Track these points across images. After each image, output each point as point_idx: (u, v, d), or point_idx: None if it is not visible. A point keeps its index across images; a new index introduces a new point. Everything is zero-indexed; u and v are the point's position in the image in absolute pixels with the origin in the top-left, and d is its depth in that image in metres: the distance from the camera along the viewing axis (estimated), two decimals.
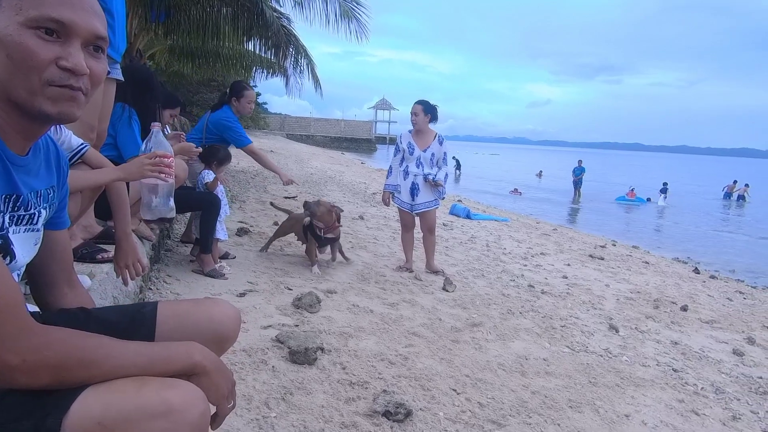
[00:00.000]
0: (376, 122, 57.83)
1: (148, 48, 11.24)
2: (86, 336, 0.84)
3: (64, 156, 1.06)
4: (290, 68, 10.22)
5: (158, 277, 3.27)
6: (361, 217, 6.99)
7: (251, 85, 4.39)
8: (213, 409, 0.92)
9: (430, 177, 4.45)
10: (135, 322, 1.06)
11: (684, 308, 4.35)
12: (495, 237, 7.09)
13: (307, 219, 4.05)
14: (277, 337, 2.56)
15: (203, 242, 3.50)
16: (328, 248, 4.29)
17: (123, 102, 2.85)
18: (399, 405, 2.02)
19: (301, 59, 10.15)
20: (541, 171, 32.12)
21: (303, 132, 48.46)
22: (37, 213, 0.93)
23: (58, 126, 1.76)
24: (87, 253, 2.25)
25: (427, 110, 4.49)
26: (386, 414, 2.00)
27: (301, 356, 2.37)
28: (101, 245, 2.35)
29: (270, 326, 2.77)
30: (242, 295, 3.22)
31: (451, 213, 9.01)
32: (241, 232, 4.98)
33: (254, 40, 9.16)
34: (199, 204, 3.53)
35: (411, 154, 4.50)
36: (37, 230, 0.95)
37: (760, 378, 3.03)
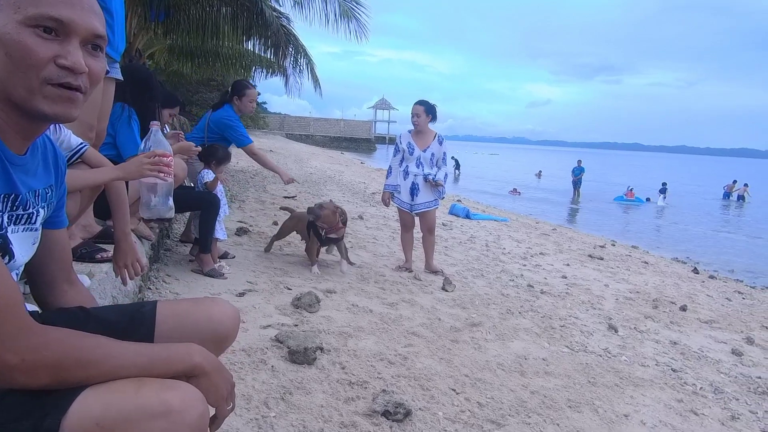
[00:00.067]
0: (375, 122, 57.80)
1: (148, 47, 11.24)
2: (85, 336, 0.84)
3: (62, 155, 1.06)
4: (290, 68, 10.23)
5: (157, 277, 3.27)
6: (361, 217, 6.99)
7: (252, 84, 4.39)
8: (212, 411, 0.92)
9: (430, 177, 4.45)
10: (134, 321, 1.06)
11: (683, 308, 4.36)
12: (494, 237, 7.09)
13: (312, 216, 4.03)
14: (276, 336, 2.56)
15: (202, 242, 3.49)
16: (335, 250, 4.28)
17: (122, 101, 2.85)
18: (398, 405, 2.02)
19: (300, 59, 10.15)
20: (540, 171, 32.14)
21: (302, 132, 48.42)
22: (35, 212, 0.93)
23: (57, 125, 1.75)
24: (86, 253, 2.25)
25: (428, 111, 4.49)
26: (385, 414, 1.99)
27: (301, 356, 2.37)
28: (100, 245, 2.35)
29: (269, 326, 2.76)
30: (241, 294, 3.22)
31: (451, 213, 9.02)
32: (241, 231, 4.98)
33: (254, 39, 9.16)
34: (199, 203, 3.52)
35: (411, 154, 4.50)
36: (36, 230, 0.95)
37: (759, 378, 3.03)
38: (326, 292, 3.50)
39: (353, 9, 8.94)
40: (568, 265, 5.74)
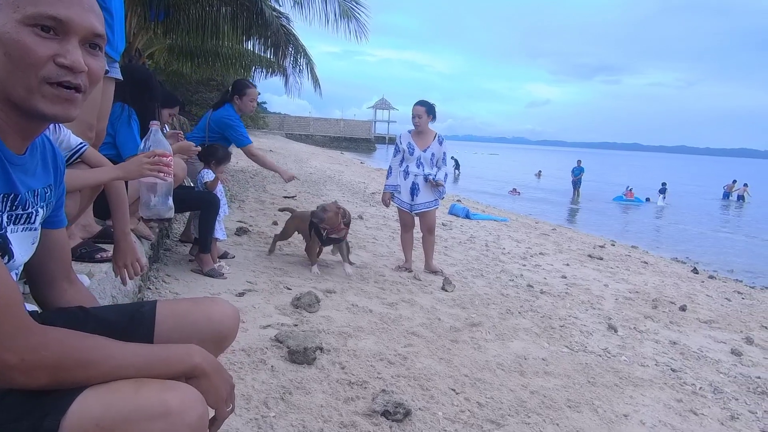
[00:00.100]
0: (375, 122, 57.77)
1: (147, 47, 11.23)
2: (85, 336, 0.84)
3: (61, 155, 1.06)
4: (289, 68, 10.22)
5: (157, 277, 3.27)
6: (360, 217, 6.98)
7: (252, 83, 4.38)
8: (212, 413, 0.92)
9: (431, 177, 4.45)
10: (134, 321, 1.06)
11: (682, 308, 4.36)
12: (494, 237, 7.09)
13: (316, 219, 4.00)
14: (276, 336, 2.56)
15: (202, 242, 3.49)
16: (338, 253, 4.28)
17: (122, 101, 2.85)
18: (398, 405, 2.02)
19: (300, 58, 10.15)
20: (540, 171, 32.15)
21: (302, 131, 48.38)
22: (34, 212, 0.93)
23: (57, 125, 1.75)
24: (86, 253, 2.24)
25: (429, 111, 4.50)
26: (385, 414, 1.99)
27: (300, 356, 2.37)
28: (100, 245, 2.35)
29: (269, 326, 2.76)
30: (241, 294, 3.21)
31: (450, 213, 9.02)
32: (240, 231, 4.97)
33: (253, 39, 9.15)
34: (198, 203, 3.52)
35: (411, 154, 4.50)
36: (35, 229, 0.95)
37: (758, 378, 3.03)
38: (326, 292, 3.50)
39: (353, 9, 8.94)
40: (567, 265, 5.74)
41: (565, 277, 5.05)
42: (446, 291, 4.01)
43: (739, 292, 5.65)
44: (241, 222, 5.45)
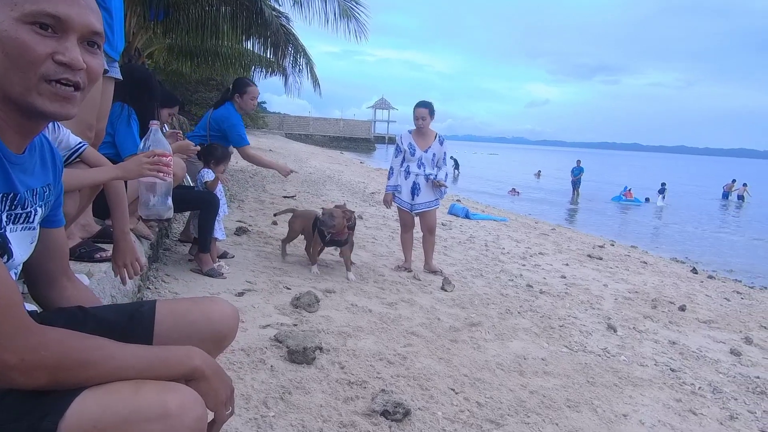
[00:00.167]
0: (375, 122, 57.79)
1: (147, 47, 11.22)
2: (84, 337, 0.84)
3: (59, 154, 1.06)
4: (289, 67, 10.22)
5: (156, 276, 3.26)
6: (360, 217, 6.98)
7: (253, 82, 4.37)
8: (211, 415, 0.92)
9: (432, 177, 4.45)
10: (133, 320, 1.06)
11: (682, 308, 4.36)
12: (493, 237, 7.09)
13: (324, 227, 3.97)
14: (275, 336, 2.56)
15: (201, 241, 3.49)
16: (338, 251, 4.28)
17: (122, 101, 2.85)
18: (397, 404, 2.02)
19: (300, 58, 10.14)
20: (539, 171, 32.14)
21: (302, 131, 48.38)
22: (33, 211, 0.93)
23: (56, 125, 1.75)
24: (85, 252, 2.24)
25: (431, 112, 4.51)
26: (385, 413, 1.99)
27: (300, 356, 2.36)
28: (99, 244, 2.34)
29: (268, 326, 2.76)
30: (241, 294, 3.21)
31: (450, 213, 9.02)
32: (240, 231, 4.97)
33: (253, 39, 9.15)
34: (198, 203, 3.52)
35: (412, 154, 4.50)
36: (34, 228, 0.95)
37: (758, 378, 3.03)
38: (325, 292, 3.50)
39: (353, 9, 8.94)
40: (567, 265, 5.75)
41: (565, 277, 5.05)
42: (446, 291, 4.01)
43: (738, 292, 5.66)
44: (240, 222, 5.45)
